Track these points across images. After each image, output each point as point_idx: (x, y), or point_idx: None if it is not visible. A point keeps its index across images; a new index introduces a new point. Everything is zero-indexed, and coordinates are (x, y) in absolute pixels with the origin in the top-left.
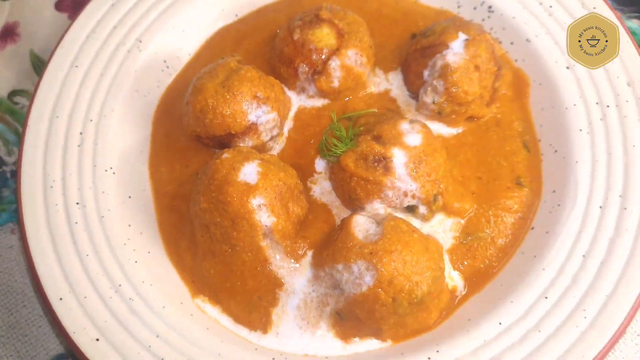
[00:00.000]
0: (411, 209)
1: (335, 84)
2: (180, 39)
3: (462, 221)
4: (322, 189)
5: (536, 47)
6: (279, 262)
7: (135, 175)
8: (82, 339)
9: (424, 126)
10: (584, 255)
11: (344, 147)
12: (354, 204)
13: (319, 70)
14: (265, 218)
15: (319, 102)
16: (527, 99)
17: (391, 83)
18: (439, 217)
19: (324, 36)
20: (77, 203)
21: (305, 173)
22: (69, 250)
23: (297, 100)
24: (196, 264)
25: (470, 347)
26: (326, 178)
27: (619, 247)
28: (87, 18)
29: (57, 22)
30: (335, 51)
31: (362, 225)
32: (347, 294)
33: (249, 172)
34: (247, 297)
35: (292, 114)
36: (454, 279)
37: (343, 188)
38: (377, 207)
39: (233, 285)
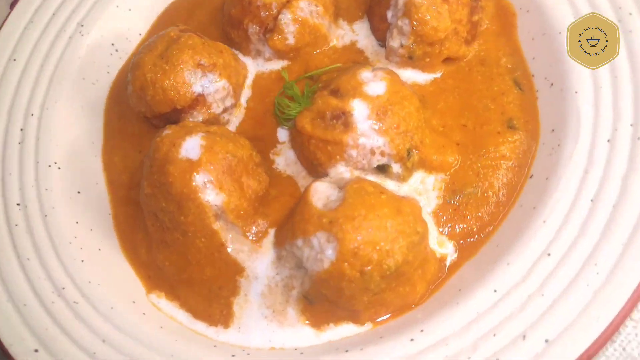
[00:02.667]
0: (383, 169)
1: (290, 40)
2: (128, 18)
3: (447, 177)
4: (286, 159)
5: None
6: (236, 246)
7: (86, 168)
8: (19, 349)
9: (389, 72)
10: (592, 200)
11: (299, 107)
12: (317, 170)
13: (270, 28)
14: (213, 197)
15: (277, 65)
16: (515, 29)
17: (357, 34)
18: (419, 175)
19: None
20: (18, 204)
21: (267, 144)
22: (8, 254)
23: (253, 66)
24: (152, 257)
25: (459, 322)
26: (289, 147)
27: (635, 186)
28: (25, 7)
29: None
30: (286, 4)
31: (321, 193)
32: (311, 272)
33: (191, 147)
34: (206, 287)
35: (249, 81)
36: (443, 244)
37: (304, 154)
38: (342, 170)
39: (190, 276)
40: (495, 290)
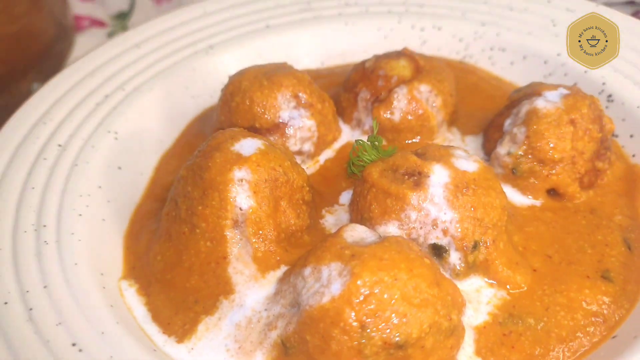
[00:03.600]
0: (438, 252)
1: (396, 116)
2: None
3: (508, 297)
4: (337, 220)
5: None
6: (239, 266)
7: (140, 156)
8: None
9: (487, 166)
10: None
11: (376, 155)
12: (364, 225)
13: (381, 99)
14: (242, 198)
15: None
16: None
17: (466, 144)
18: (476, 280)
19: (399, 67)
20: (60, 145)
21: (325, 201)
22: (20, 181)
23: (348, 135)
24: (148, 249)
25: None
26: (346, 211)
27: None
28: None
29: None
30: (407, 81)
31: (357, 232)
32: (303, 308)
33: (248, 145)
34: (183, 296)
35: (337, 145)
36: None
37: (358, 206)
38: (391, 231)
39: (173, 279)
40: None
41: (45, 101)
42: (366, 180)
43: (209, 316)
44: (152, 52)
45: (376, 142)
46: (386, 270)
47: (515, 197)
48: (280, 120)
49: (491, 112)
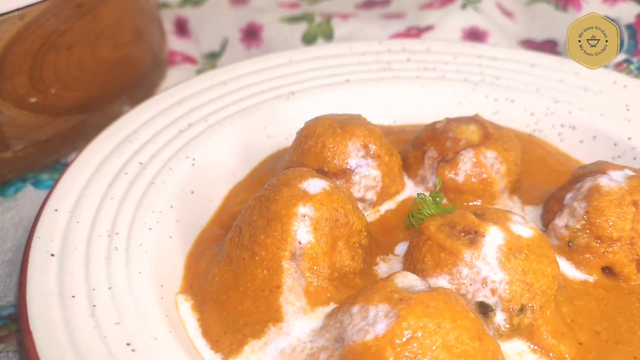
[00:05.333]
0: (484, 310)
1: (460, 178)
2: None
3: None
4: (390, 269)
5: None
6: (290, 296)
7: (212, 184)
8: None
9: (543, 235)
10: None
11: (436, 210)
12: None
13: (447, 159)
14: (303, 232)
15: None
16: None
17: (525, 213)
18: (519, 344)
19: (468, 131)
20: (141, 163)
21: (381, 249)
22: (102, 190)
23: (412, 190)
24: (207, 270)
25: None
26: (400, 261)
27: None
28: None
29: None
30: (474, 145)
31: (408, 279)
32: (347, 343)
33: (315, 185)
34: (234, 317)
35: (399, 198)
36: None
37: (412, 256)
38: (441, 284)
39: (227, 300)
40: None
41: (133, 122)
42: (423, 232)
43: (256, 340)
44: (237, 90)
45: (437, 198)
46: (431, 317)
47: (569, 270)
48: (348, 167)
49: (554, 186)
